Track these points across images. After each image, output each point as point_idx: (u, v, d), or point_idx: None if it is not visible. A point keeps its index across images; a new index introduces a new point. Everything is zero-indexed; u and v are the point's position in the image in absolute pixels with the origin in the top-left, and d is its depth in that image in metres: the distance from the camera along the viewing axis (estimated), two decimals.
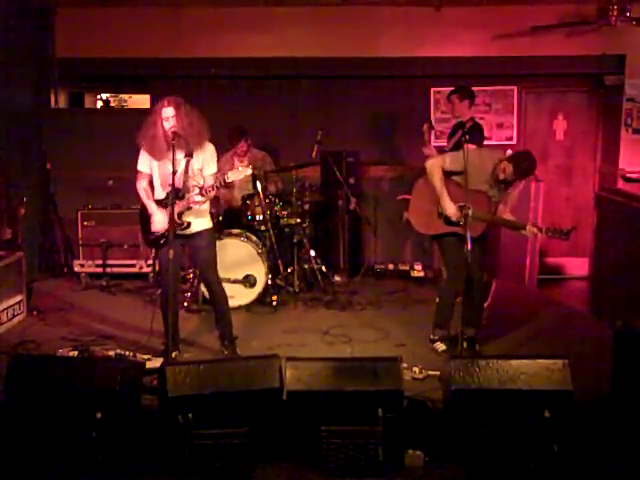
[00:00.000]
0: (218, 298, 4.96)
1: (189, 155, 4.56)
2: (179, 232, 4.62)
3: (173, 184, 4.41)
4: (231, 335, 4.98)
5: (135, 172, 4.76)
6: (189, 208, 4.63)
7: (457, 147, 5.59)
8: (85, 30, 7.30)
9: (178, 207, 4.56)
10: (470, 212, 4.60)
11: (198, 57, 7.35)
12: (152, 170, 4.72)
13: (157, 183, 4.73)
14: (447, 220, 4.89)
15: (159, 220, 4.66)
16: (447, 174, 4.87)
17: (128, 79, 8.13)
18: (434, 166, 4.86)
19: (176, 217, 4.56)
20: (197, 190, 4.58)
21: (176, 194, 4.52)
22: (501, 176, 4.74)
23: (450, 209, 4.80)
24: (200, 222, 4.75)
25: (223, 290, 4.96)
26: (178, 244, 4.68)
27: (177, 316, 4.92)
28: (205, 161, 4.68)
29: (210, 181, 4.64)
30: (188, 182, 4.60)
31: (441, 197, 4.84)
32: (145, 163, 4.72)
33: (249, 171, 4.73)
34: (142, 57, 7.34)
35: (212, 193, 4.64)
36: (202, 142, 4.63)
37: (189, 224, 4.68)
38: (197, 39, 7.29)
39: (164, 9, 7.26)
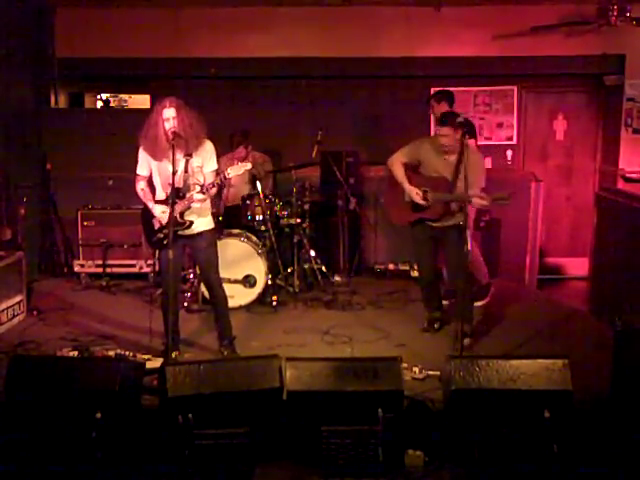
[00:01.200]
0: (218, 299, 4.96)
1: (188, 155, 4.57)
2: (181, 232, 4.63)
3: (173, 184, 4.42)
4: (230, 335, 4.98)
5: (134, 174, 4.76)
6: (190, 207, 4.64)
7: None
8: (85, 30, 7.31)
9: (179, 206, 4.57)
10: (430, 195, 4.99)
11: (198, 57, 7.36)
12: (152, 171, 4.73)
13: (158, 184, 4.73)
14: (414, 206, 5.12)
15: (161, 213, 4.66)
16: (413, 167, 5.18)
17: (128, 79, 8.13)
18: (393, 161, 5.21)
19: (178, 216, 4.58)
20: (198, 188, 4.59)
21: (177, 193, 4.53)
22: (443, 140, 4.92)
23: (411, 192, 5.07)
24: (202, 222, 4.75)
25: (223, 291, 4.96)
26: (179, 245, 4.69)
27: (177, 316, 4.92)
28: (205, 158, 4.68)
29: (210, 178, 4.66)
30: (189, 181, 4.61)
31: (404, 186, 5.12)
32: (144, 166, 4.72)
33: (249, 165, 4.77)
34: (142, 57, 7.35)
35: (213, 190, 4.65)
36: (201, 143, 4.64)
37: (191, 223, 4.68)
38: (197, 39, 7.29)
39: (164, 9, 7.27)
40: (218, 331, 5.01)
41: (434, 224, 5.10)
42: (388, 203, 5.54)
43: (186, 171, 4.58)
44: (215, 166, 4.74)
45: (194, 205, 4.64)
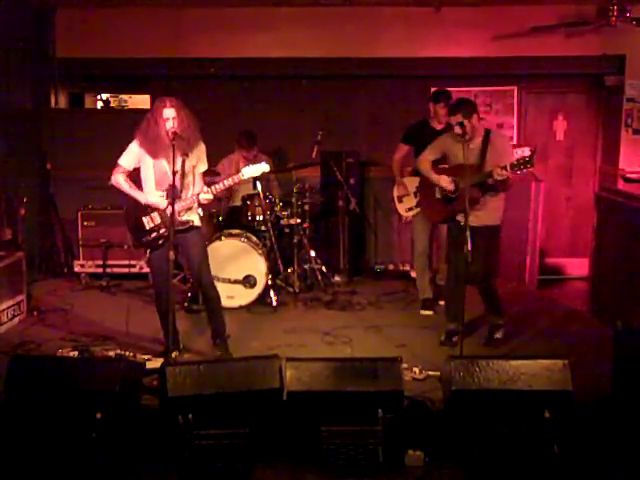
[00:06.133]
0: (211, 298, 4.90)
1: (185, 154, 4.55)
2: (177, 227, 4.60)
3: (174, 184, 4.41)
4: (224, 334, 4.94)
5: (114, 165, 4.69)
6: (191, 207, 4.63)
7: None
8: (85, 30, 7.31)
9: (178, 205, 4.54)
10: (460, 183, 4.89)
11: (198, 57, 7.35)
12: (145, 168, 4.67)
13: (151, 182, 4.68)
14: (445, 200, 5.08)
15: (158, 201, 4.62)
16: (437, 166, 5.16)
17: (128, 79, 8.14)
18: (420, 161, 5.28)
19: (177, 215, 4.56)
20: (205, 188, 4.60)
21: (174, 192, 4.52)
22: (458, 130, 4.85)
23: (442, 180, 5.03)
24: (195, 218, 4.75)
25: (216, 290, 4.92)
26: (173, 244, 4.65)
27: (175, 316, 4.89)
28: (199, 159, 4.69)
29: (200, 179, 4.68)
30: (185, 180, 4.60)
31: (431, 177, 5.12)
32: (131, 160, 4.66)
33: (267, 168, 4.71)
34: (142, 57, 7.34)
35: (220, 191, 4.69)
36: (197, 143, 4.64)
37: (192, 222, 4.67)
38: (197, 39, 7.29)
39: (164, 9, 7.27)
40: (212, 330, 4.96)
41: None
42: (423, 204, 5.54)
43: (183, 171, 4.57)
44: (206, 167, 4.76)
45: (193, 205, 4.63)
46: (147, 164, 4.67)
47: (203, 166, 4.74)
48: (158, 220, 4.67)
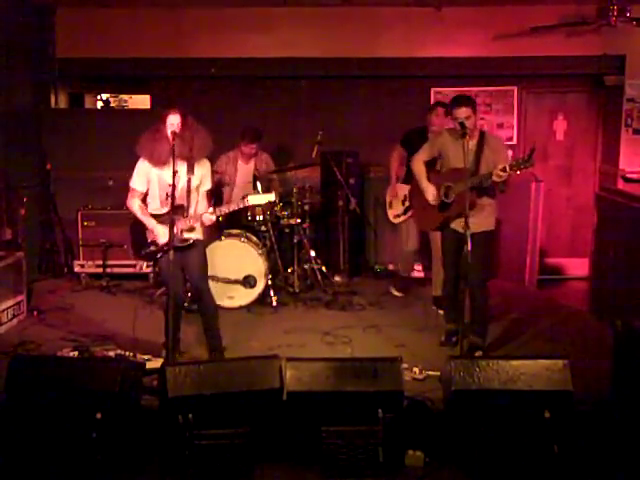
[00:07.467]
0: (207, 309, 4.83)
1: (190, 171, 4.51)
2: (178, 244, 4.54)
3: (173, 184, 4.36)
4: (220, 346, 4.85)
5: (128, 189, 4.65)
6: (194, 228, 4.58)
7: None
8: (85, 30, 7.33)
9: (182, 224, 4.51)
10: (453, 190, 4.79)
11: (198, 57, 7.36)
12: (151, 185, 4.62)
13: (156, 197, 4.64)
14: (440, 206, 4.95)
15: (162, 233, 4.55)
16: (431, 166, 5.05)
17: (128, 79, 8.14)
18: (414, 162, 5.14)
19: (179, 233, 4.51)
20: (211, 209, 4.60)
21: (179, 211, 4.49)
22: (457, 125, 4.68)
23: (427, 190, 4.96)
24: (195, 237, 4.68)
25: (214, 301, 4.86)
26: (176, 252, 4.60)
27: (180, 318, 4.89)
28: (203, 177, 4.64)
29: (204, 198, 4.66)
30: (189, 199, 4.56)
31: (420, 184, 5.02)
32: (142, 181, 4.61)
33: (272, 197, 4.69)
34: (142, 57, 7.35)
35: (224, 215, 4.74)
36: (202, 155, 4.58)
37: (192, 240, 4.62)
38: (197, 39, 7.31)
39: (164, 9, 7.28)
40: (208, 342, 4.87)
41: (461, 230, 4.62)
42: (415, 208, 5.37)
43: (188, 189, 4.53)
44: (209, 186, 4.73)
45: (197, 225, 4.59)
46: (152, 181, 4.62)
47: (207, 185, 4.69)
48: (162, 241, 4.59)
